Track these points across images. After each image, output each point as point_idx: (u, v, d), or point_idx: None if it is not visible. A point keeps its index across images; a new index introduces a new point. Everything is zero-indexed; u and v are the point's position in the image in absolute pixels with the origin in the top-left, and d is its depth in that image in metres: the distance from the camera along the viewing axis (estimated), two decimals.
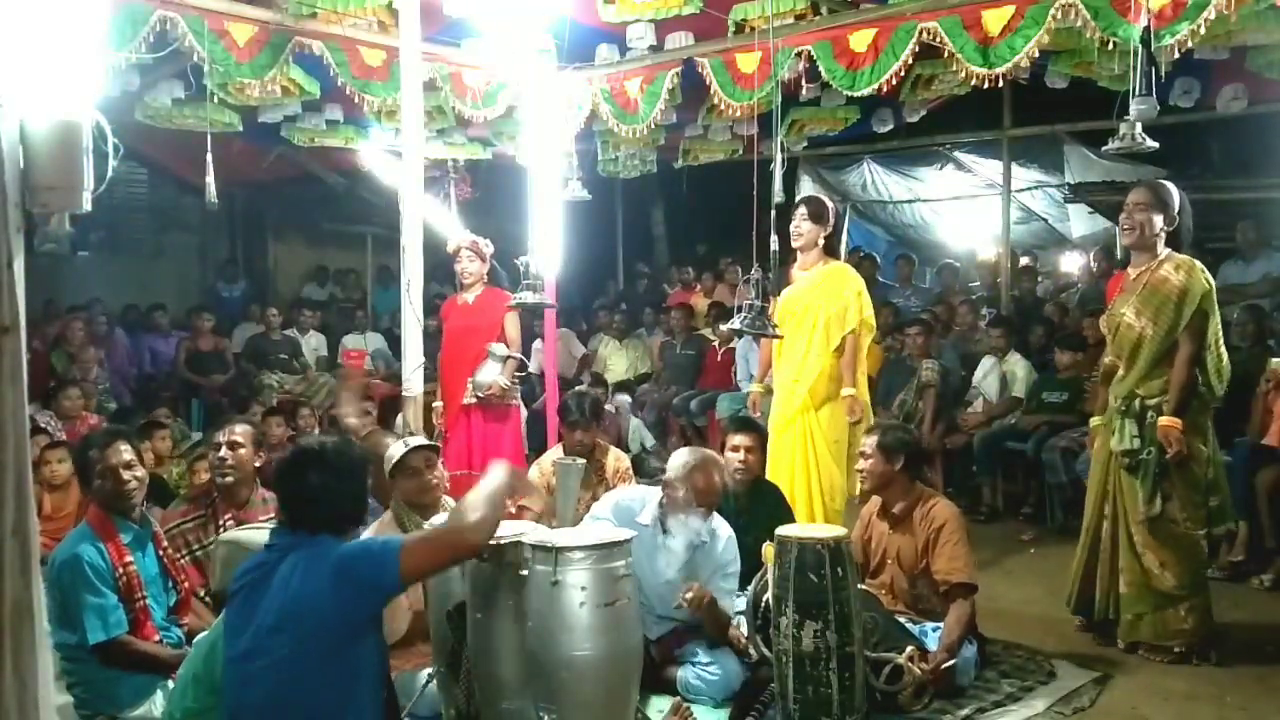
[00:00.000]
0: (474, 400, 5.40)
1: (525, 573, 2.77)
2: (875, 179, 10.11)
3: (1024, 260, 9.62)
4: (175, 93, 6.24)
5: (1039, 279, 9.38)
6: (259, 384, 8.29)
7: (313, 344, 9.25)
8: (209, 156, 5.34)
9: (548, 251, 5.72)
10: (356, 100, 5.50)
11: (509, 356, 5.43)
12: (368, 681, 2.46)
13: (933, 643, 3.61)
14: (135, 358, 8.94)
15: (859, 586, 3.39)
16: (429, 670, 3.20)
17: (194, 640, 2.98)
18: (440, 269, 8.30)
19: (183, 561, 3.63)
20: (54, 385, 6.84)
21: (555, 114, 6.01)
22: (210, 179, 5.26)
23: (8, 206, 1.23)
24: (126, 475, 3.26)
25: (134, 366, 8.86)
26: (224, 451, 3.83)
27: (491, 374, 5.34)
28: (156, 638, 3.25)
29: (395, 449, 3.64)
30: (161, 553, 3.42)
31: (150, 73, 5.88)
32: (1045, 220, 10.23)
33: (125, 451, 3.28)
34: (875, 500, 4.02)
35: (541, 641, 2.75)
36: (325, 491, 2.49)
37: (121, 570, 3.20)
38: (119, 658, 3.16)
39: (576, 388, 7.14)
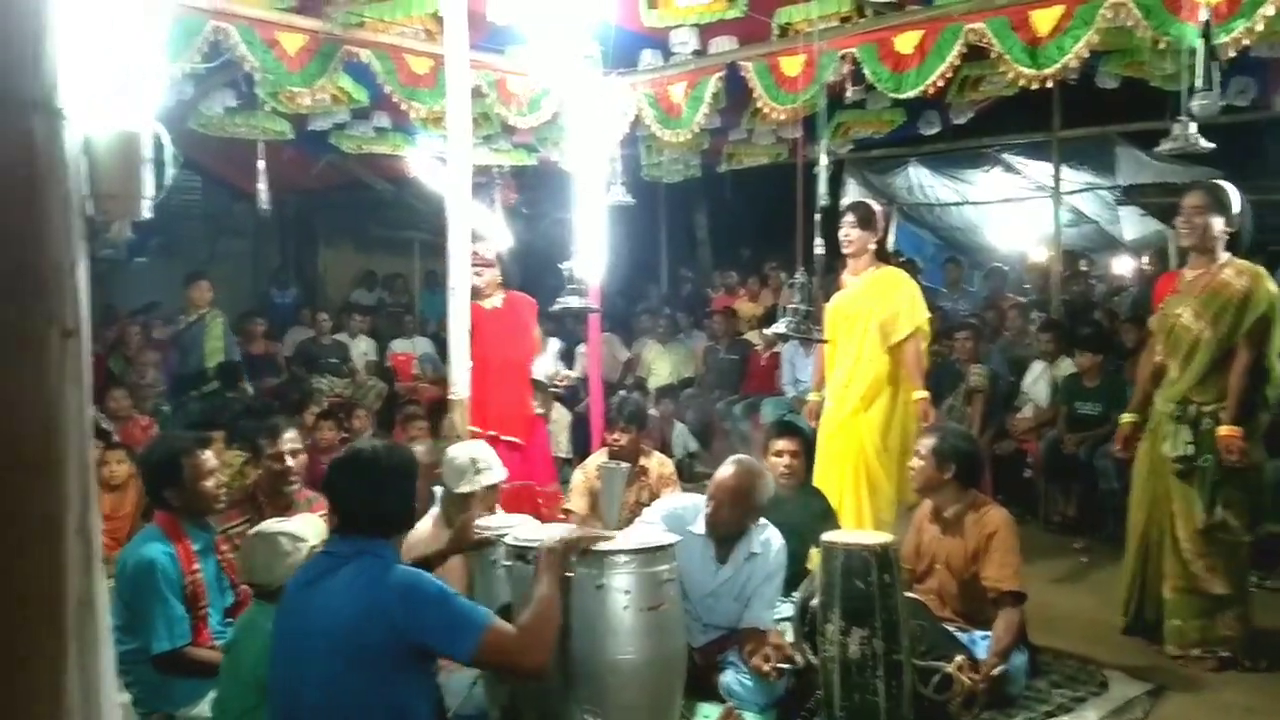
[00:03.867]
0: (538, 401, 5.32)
1: (570, 575, 2.78)
2: (922, 182, 10.01)
3: (1081, 264, 9.43)
4: (228, 101, 6.38)
5: (1091, 282, 9.22)
6: (309, 388, 8.41)
7: (361, 348, 9.37)
8: (261, 164, 5.44)
9: (591, 256, 5.74)
10: (404, 108, 5.57)
11: (560, 375, 5.44)
12: (421, 691, 2.48)
13: (982, 651, 3.55)
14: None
15: (907, 594, 3.35)
16: (476, 672, 3.22)
17: (230, 643, 3.01)
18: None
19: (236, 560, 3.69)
20: (101, 386, 6.97)
21: (599, 119, 6.04)
22: (262, 186, 5.36)
23: (72, 215, 1.26)
24: (215, 482, 3.31)
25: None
26: (289, 461, 3.88)
27: (550, 365, 5.35)
28: (212, 644, 3.28)
29: (466, 470, 3.67)
30: (220, 557, 3.46)
31: (203, 82, 6.01)
32: (1096, 223, 10.05)
33: (211, 458, 3.33)
34: (927, 504, 3.98)
35: (586, 644, 2.75)
36: (376, 494, 2.52)
37: (190, 579, 3.22)
38: (178, 667, 3.17)
39: (620, 392, 7.16)
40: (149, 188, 1.42)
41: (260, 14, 4.87)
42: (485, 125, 6.70)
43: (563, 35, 5.41)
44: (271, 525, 3.08)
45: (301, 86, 5.16)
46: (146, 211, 1.42)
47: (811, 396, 5.16)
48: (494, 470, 3.77)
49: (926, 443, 3.88)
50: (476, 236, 5.33)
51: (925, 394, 4.63)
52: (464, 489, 3.68)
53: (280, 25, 4.94)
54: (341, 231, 11.86)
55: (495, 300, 5.49)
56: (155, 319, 8.85)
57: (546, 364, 5.34)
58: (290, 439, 3.95)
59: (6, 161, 1.21)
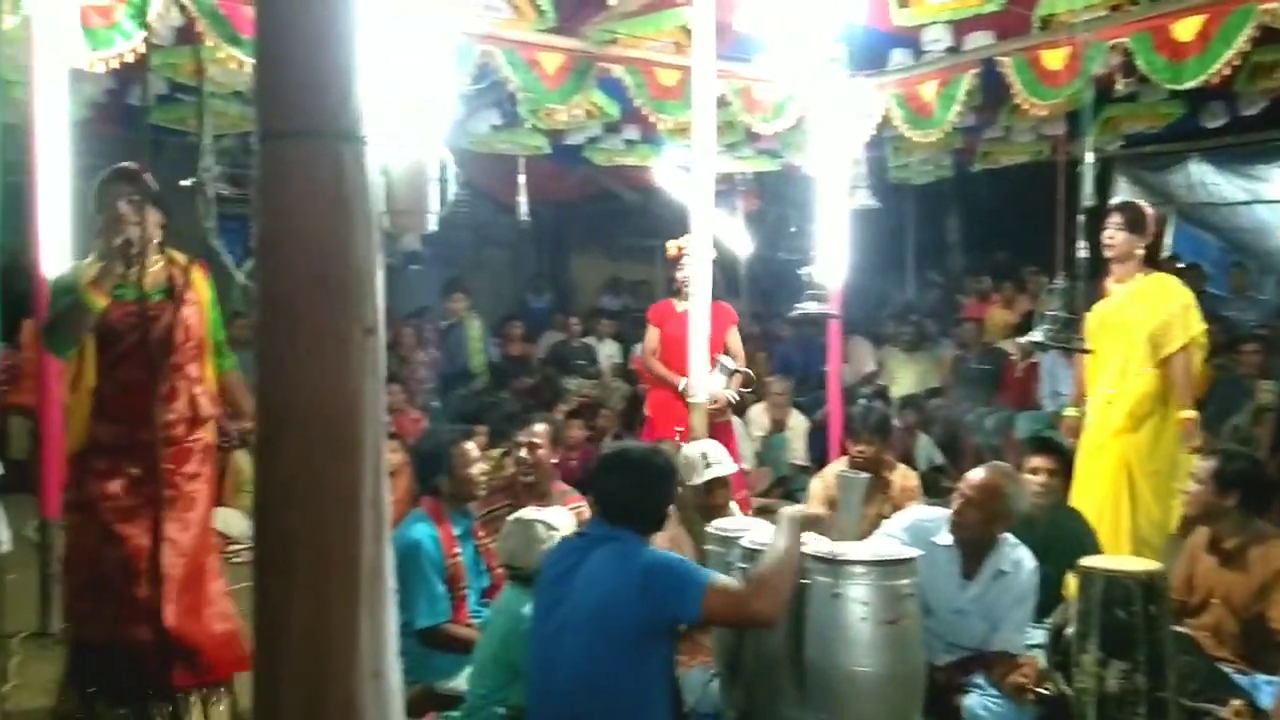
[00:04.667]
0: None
1: (806, 582, 2.78)
2: (1204, 179, 9.15)
3: None
4: (493, 120, 6.87)
5: None
6: (559, 387, 8.88)
7: (608, 351, 9.75)
8: (521, 178, 5.82)
9: (833, 261, 5.68)
10: (652, 120, 5.77)
11: (736, 371, 5.32)
12: (661, 675, 2.60)
13: (1267, 699, 3.19)
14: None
15: (1176, 628, 3.09)
16: (713, 669, 3.28)
17: (486, 622, 3.23)
18: (726, 279, 8.47)
19: (491, 546, 3.97)
20: None
21: (845, 123, 5.98)
22: (522, 198, 5.73)
23: (372, 229, 1.46)
24: (479, 471, 3.62)
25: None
26: (524, 453, 4.16)
27: (718, 385, 5.27)
28: (469, 621, 3.54)
29: (698, 464, 3.78)
30: (478, 541, 3.75)
31: (471, 102, 6.50)
32: None
33: (474, 450, 3.65)
34: (1203, 532, 3.64)
35: (820, 652, 2.75)
36: (633, 492, 2.68)
37: (451, 560, 3.51)
38: (438, 641, 3.44)
39: (861, 401, 7.02)
40: (435, 204, 1.61)
41: (523, 36, 5.23)
42: (729, 133, 6.81)
43: (809, 39, 5.40)
44: (529, 512, 3.30)
45: (558, 103, 5.49)
46: (433, 225, 1.60)
47: (1070, 412, 4.83)
48: (725, 464, 3.84)
49: (1206, 466, 3.55)
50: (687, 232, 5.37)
51: (1194, 413, 4.24)
52: (697, 481, 3.76)
53: (540, 46, 5.28)
54: (591, 240, 12.42)
55: (690, 302, 5.41)
56: (426, 321, 9.64)
57: (716, 383, 5.22)
58: (532, 433, 4.20)
59: (322, 185, 1.43)
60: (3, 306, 4.33)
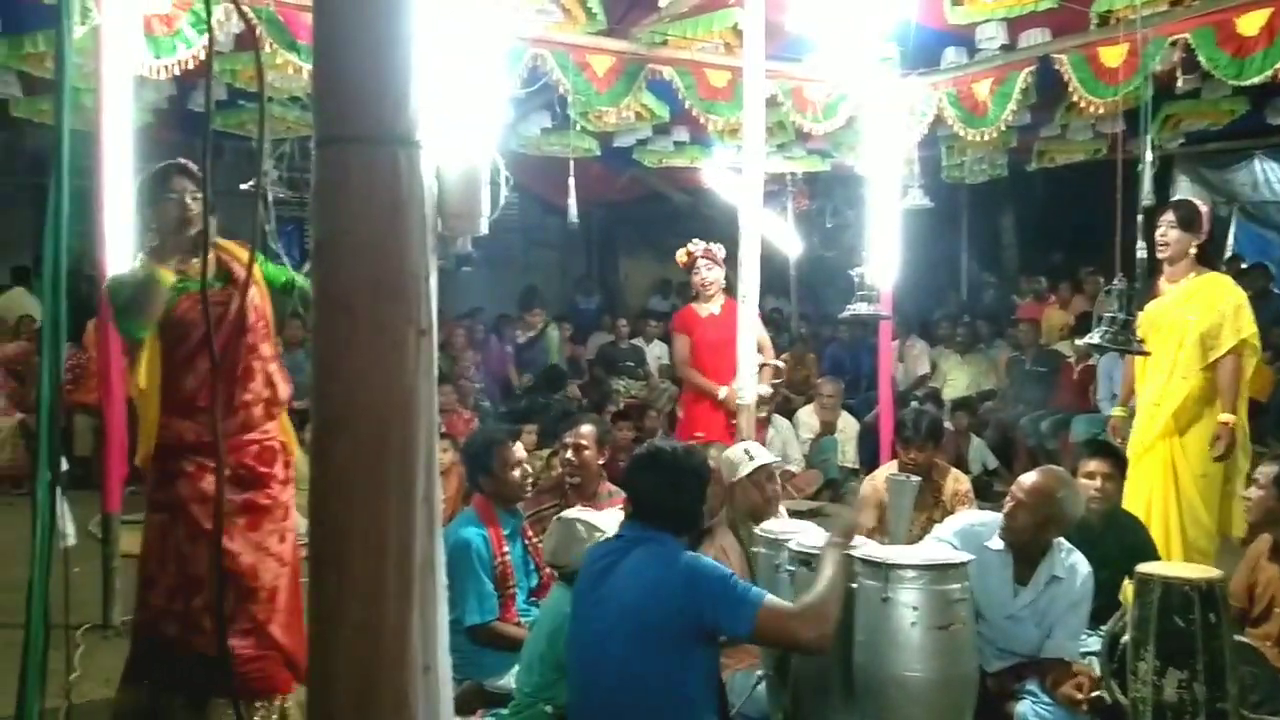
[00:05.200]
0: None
1: (854, 585, 2.76)
2: (1269, 177, 8.94)
3: None
4: (543, 123, 6.92)
5: None
6: (608, 389, 8.92)
7: (655, 353, 9.77)
8: (571, 180, 5.86)
9: (884, 262, 5.62)
10: (702, 121, 5.77)
11: (764, 364, 5.23)
12: (705, 676, 2.59)
13: None
14: (505, 361, 9.95)
15: (1238, 637, 3.01)
16: (759, 672, 3.28)
17: (535, 620, 3.25)
18: (775, 280, 8.45)
19: (540, 545, 4.00)
20: None
21: (897, 122, 5.92)
22: (571, 200, 5.76)
23: (426, 232, 1.49)
24: (521, 472, 3.64)
25: (504, 369, 9.86)
26: (570, 454, 4.18)
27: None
28: (517, 620, 3.57)
29: (741, 460, 3.77)
30: (527, 541, 3.78)
31: (521, 105, 6.56)
32: None
33: (520, 450, 3.67)
34: (1265, 538, 3.55)
35: (870, 657, 2.72)
36: (667, 492, 2.66)
37: (500, 559, 3.54)
38: (487, 639, 3.48)
39: (912, 403, 6.94)
40: (486, 207, 1.63)
41: (573, 39, 5.27)
42: (780, 134, 6.78)
43: (861, 39, 5.36)
44: (573, 512, 3.31)
45: (608, 105, 5.51)
46: (484, 228, 1.63)
47: (1116, 412, 4.73)
48: (765, 454, 3.81)
49: (1268, 470, 3.47)
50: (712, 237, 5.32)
51: (1232, 417, 4.13)
52: (740, 474, 3.74)
53: (591, 48, 5.31)
54: (640, 241, 12.45)
55: (714, 305, 5.37)
56: (478, 322, 9.75)
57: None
58: (586, 434, 4.21)
59: (379, 189, 1.46)
60: (69, 307, 4.44)
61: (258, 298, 3.14)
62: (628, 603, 2.53)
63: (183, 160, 3.12)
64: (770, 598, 2.55)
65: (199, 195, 3.02)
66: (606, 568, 2.64)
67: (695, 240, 5.41)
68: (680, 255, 5.47)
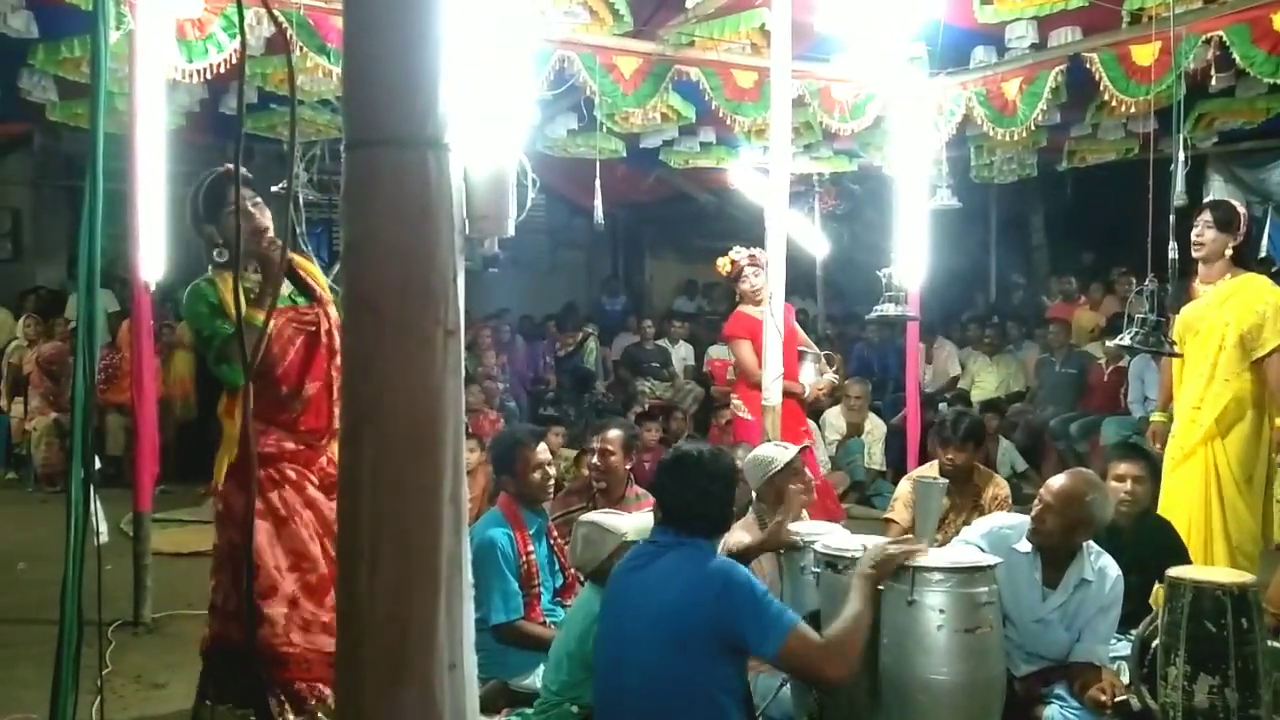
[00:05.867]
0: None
1: (880, 588, 2.75)
2: None
3: None
4: (569, 125, 6.94)
5: None
6: (633, 390, 8.93)
7: (681, 354, 9.78)
8: (597, 181, 5.88)
9: (912, 262, 5.59)
10: (729, 121, 5.77)
11: (808, 352, 5.26)
12: (733, 678, 2.58)
13: None
14: (532, 361, 10.00)
15: (1272, 643, 2.96)
16: (783, 674, 3.27)
17: (565, 620, 3.26)
18: (801, 281, 8.42)
19: (566, 545, 4.01)
20: None
21: (925, 122, 5.89)
22: (598, 201, 5.78)
23: (454, 233, 1.50)
24: (543, 474, 3.64)
25: (531, 370, 9.91)
26: (596, 459, 4.18)
27: (812, 375, 5.24)
28: (543, 619, 3.58)
29: (777, 454, 3.77)
30: (552, 541, 3.79)
31: (548, 107, 6.58)
32: None
33: (544, 451, 3.67)
34: None
35: (896, 660, 2.71)
36: (696, 495, 2.65)
37: (525, 559, 3.55)
38: (512, 637, 3.48)
39: (941, 405, 6.90)
40: (513, 209, 1.65)
41: (600, 40, 5.28)
42: (806, 134, 6.77)
43: (889, 39, 5.34)
44: (592, 515, 3.32)
45: (635, 106, 5.52)
46: (511, 230, 1.64)
47: (1157, 417, 4.67)
48: (789, 450, 3.79)
49: None
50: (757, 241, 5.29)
51: None
52: (774, 470, 3.71)
53: (617, 50, 5.33)
54: (666, 242, 12.45)
55: (764, 308, 5.24)
56: (505, 323, 9.80)
57: (811, 373, 5.19)
58: (613, 439, 4.20)
59: (409, 191, 1.48)
60: (105, 308, 4.52)
61: (335, 312, 3.13)
62: (658, 607, 2.52)
63: (228, 167, 3.08)
64: (801, 625, 2.51)
65: (258, 201, 3.05)
66: (637, 569, 2.64)
67: (737, 248, 5.34)
68: (723, 264, 5.38)
